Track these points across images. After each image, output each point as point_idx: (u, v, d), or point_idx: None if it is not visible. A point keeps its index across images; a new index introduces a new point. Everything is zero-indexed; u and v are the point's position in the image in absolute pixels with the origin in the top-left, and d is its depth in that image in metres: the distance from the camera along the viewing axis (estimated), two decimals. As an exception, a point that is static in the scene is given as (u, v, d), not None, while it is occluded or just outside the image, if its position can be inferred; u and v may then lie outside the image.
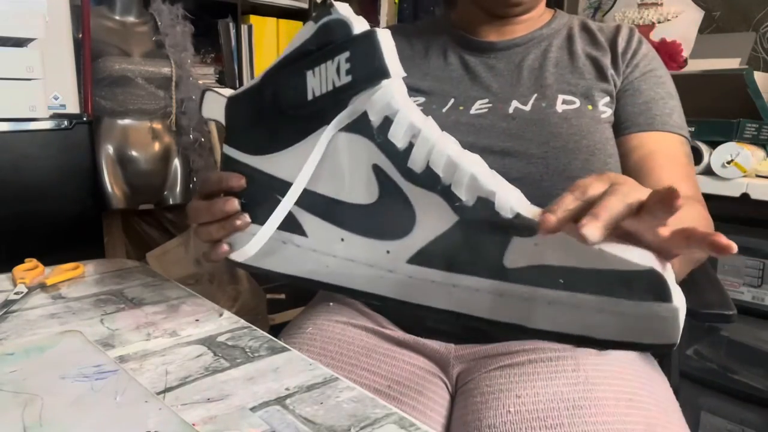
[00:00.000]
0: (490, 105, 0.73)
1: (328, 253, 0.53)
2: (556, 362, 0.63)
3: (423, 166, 0.47)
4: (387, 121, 0.48)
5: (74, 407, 0.44)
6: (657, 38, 1.68)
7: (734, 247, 0.35)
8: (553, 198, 0.64)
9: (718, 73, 1.41)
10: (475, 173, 0.46)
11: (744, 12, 1.77)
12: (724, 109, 1.31)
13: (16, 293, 0.68)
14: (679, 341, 0.39)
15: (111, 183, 1.87)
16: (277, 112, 0.53)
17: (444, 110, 0.75)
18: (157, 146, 1.95)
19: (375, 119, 0.48)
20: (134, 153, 1.91)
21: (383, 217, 0.50)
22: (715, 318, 0.70)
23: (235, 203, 0.56)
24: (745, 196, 1.22)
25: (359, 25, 0.49)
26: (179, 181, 2.02)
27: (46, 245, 1.42)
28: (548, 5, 0.83)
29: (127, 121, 1.89)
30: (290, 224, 0.55)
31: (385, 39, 0.48)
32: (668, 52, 1.62)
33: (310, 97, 0.50)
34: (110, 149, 1.87)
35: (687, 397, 1.43)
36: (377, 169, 0.49)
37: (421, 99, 0.78)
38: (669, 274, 0.40)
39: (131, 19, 1.96)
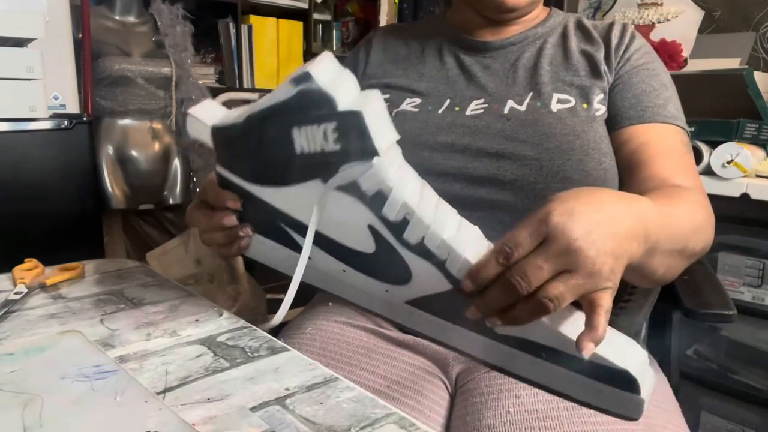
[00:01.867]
0: (486, 105, 0.73)
1: (332, 276, 0.56)
2: None
3: (418, 240, 0.48)
4: (380, 195, 0.47)
5: (74, 407, 0.44)
6: (657, 38, 1.68)
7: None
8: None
9: (718, 73, 1.41)
10: (469, 258, 0.46)
11: (744, 12, 1.76)
12: (724, 109, 1.31)
13: (16, 293, 0.68)
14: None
15: (111, 183, 1.87)
16: (266, 155, 0.52)
17: (440, 111, 0.75)
18: (157, 146, 1.95)
19: (367, 190, 0.47)
20: (134, 153, 1.91)
21: (381, 266, 0.51)
22: (715, 318, 0.70)
23: (233, 219, 0.56)
24: (745, 196, 1.22)
25: (344, 96, 0.45)
26: (179, 181, 2.02)
27: (46, 245, 1.42)
28: (547, 5, 0.83)
29: (127, 121, 1.90)
30: (295, 246, 0.55)
31: (374, 113, 0.45)
32: (668, 52, 1.62)
33: (298, 151, 0.48)
34: (110, 149, 1.87)
35: (687, 397, 1.43)
36: (372, 229, 0.49)
37: (417, 100, 0.78)
38: (641, 367, 0.47)
39: (131, 19, 1.96)
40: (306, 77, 0.45)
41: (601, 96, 0.72)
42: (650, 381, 0.47)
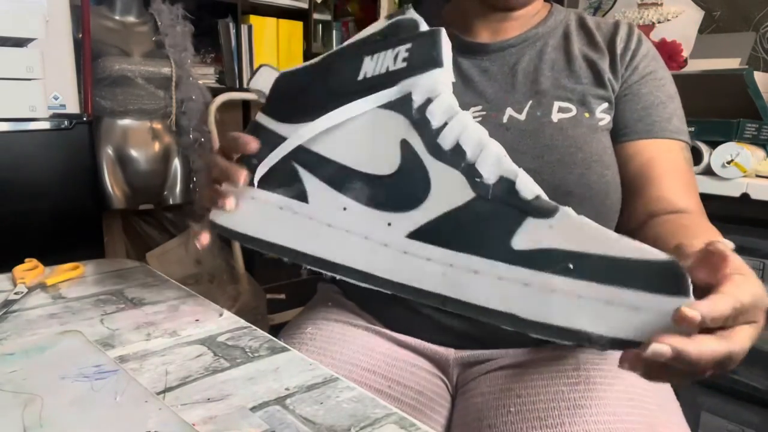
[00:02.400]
0: (484, 113, 0.70)
1: (325, 221, 0.53)
2: (557, 362, 0.63)
3: (452, 143, 0.49)
4: (428, 101, 0.51)
5: (74, 407, 0.44)
6: (657, 38, 1.68)
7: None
8: None
9: (718, 73, 1.41)
10: (501, 154, 0.48)
11: (744, 12, 1.76)
12: (724, 109, 1.31)
13: (16, 293, 0.68)
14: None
15: (111, 183, 1.87)
16: (324, 88, 0.56)
17: None
18: (157, 146, 1.95)
19: (417, 99, 0.51)
20: (134, 153, 1.91)
21: (396, 189, 0.51)
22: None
23: (245, 174, 0.57)
24: (745, 196, 1.22)
25: (424, 24, 0.53)
26: (179, 181, 2.02)
27: (46, 245, 1.43)
28: (548, 1, 0.81)
29: (127, 121, 1.89)
30: (294, 189, 0.55)
31: (447, 41, 0.52)
32: (668, 52, 1.62)
33: (360, 77, 0.53)
34: (110, 149, 1.87)
35: (687, 397, 1.43)
36: (404, 144, 0.51)
37: None
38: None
39: (131, 19, 1.96)
40: (401, 11, 0.54)
41: (605, 105, 0.70)
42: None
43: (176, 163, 2.00)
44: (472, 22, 0.76)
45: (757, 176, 1.25)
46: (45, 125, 1.47)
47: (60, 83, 1.62)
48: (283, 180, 0.56)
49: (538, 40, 0.75)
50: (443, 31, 0.52)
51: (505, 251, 0.43)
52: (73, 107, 1.68)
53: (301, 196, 0.55)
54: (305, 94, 0.57)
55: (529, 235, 0.43)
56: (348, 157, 0.53)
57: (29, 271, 0.75)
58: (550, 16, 0.77)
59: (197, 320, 0.62)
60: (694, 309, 0.36)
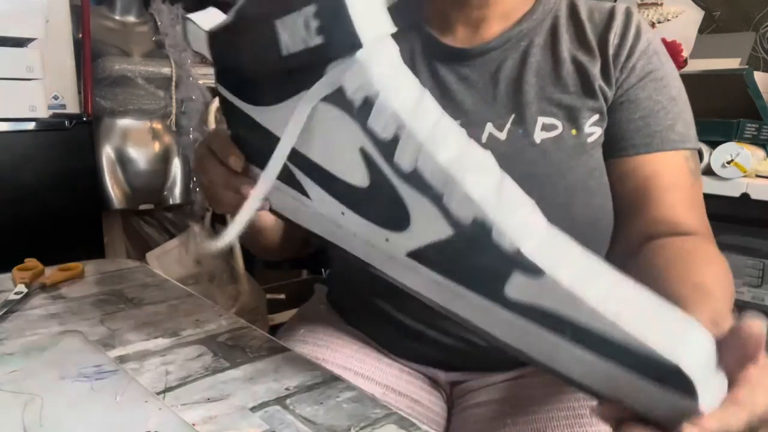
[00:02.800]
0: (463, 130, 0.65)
1: (333, 221, 0.48)
2: None
3: (410, 166, 0.40)
4: (367, 103, 0.40)
5: (74, 407, 0.44)
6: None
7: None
8: None
9: (718, 73, 1.41)
10: (470, 192, 0.38)
11: (744, 12, 1.76)
12: (724, 109, 1.31)
13: (16, 293, 0.68)
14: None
15: (111, 183, 1.87)
16: (255, 61, 0.47)
17: None
18: (157, 146, 1.95)
19: (353, 98, 0.40)
20: (134, 153, 1.91)
21: (377, 204, 0.43)
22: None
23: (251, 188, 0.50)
24: (745, 196, 1.22)
25: None
26: (179, 181, 2.02)
27: (46, 245, 1.42)
28: None
29: (127, 121, 1.89)
30: (295, 184, 0.49)
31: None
32: (668, 52, 1.62)
33: (283, 52, 0.42)
34: (110, 149, 1.87)
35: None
36: (364, 154, 0.42)
37: None
38: (701, 359, 0.33)
39: (131, 19, 1.96)
40: None
41: (596, 117, 0.63)
42: (715, 388, 0.33)
43: (176, 163, 2.00)
44: (448, 16, 0.68)
45: (757, 176, 1.26)
46: (45, 125, 1.47)
47: (60, 83, 1.62)
48: (281, 176, 0.49)
49: (523, 38, 0.66)
50: None
51: (501, 296, 0.39)
52: (73, 107, 1.68)
53: (304, 192, 0.49)
54: (243, 65, 0.48)
55: (520, 289, 0.37)
56: (321, 158, 0.46)
57: (29, 271, 0.75)
58: (537, 7, 0.67)
59: (197, 320, 0.62)
60: (700, 426, 0.32)
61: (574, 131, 0.62)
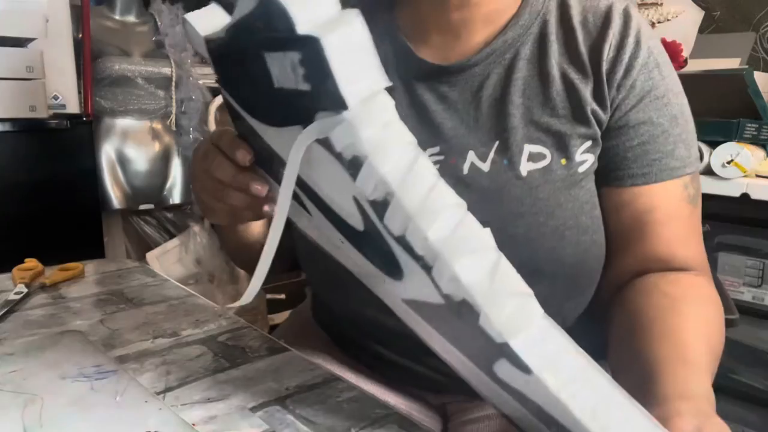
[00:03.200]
0: (442, 158, 0.57)
1: (332, 243, 0.46)
2: None
3: (400, 232, 0.37)
4: (356, 162, 0.38)
5: (74, 407, 0.44)
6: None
7: None
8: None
9: (718, 73, 1.41)
10: (459, 276, 0.36)
11: (744, 12, 1.76)
12: (724, 109, 1.31)
13: (16, 293, 0.68)
14: None
15: (111, 183, 1.87)
16: (251, 81, 0.43)
17: None
18: (157, 146, 1.95)
19: (342, 153, 0.38)
20: (134, 153, 1.91)
21: (372, 249, 0.41)
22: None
23: (263, 187, 0.47)
24: (745, 196, 1.22)
25: (307, 13, 0.35)
26: (179, 181, 2.02)
27: (46, 245, 1.43)
28: None
29: (127, 121, 1.89)
30: (297, 198, 0.45)
31: (345, 45, 0.35)
32: (668, 52, 1.62)
33: (276, 84, 0.39)
34: (110, 149, 1.87)
35: (687, 397, 1.43)
36: (357, 204, 0.39)
37: None
38: None
39: (131, 19, 1.96)
40: None
41: (587, 144, 0.57)
42: None
43: (176, 163, 2.00)
44: (423, 21, 0.60)
45: (757, 176, 1.26)
46: (45, 125, 1.47)
47: (60, 83, 1.62)
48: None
49: (508, 50, 0.59)
50: (327, 43, 0.35)
51: (489, 370, 0.37)
52: (73, 107, 1.68)
53: (305, 208, 0.46)
54: (241, 78, 0.44)
55: (508, 374, 0.36)
56: (324, 194, 0.43)
57: (29, 271, 0.75)
58: (524, 9, 0.59)
59: (197, 320, 0.62)
60: None
61: (563, 161, 0.56)
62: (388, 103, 0.39)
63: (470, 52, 0.59)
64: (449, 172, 0.56)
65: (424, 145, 0.50)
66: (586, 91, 0.57)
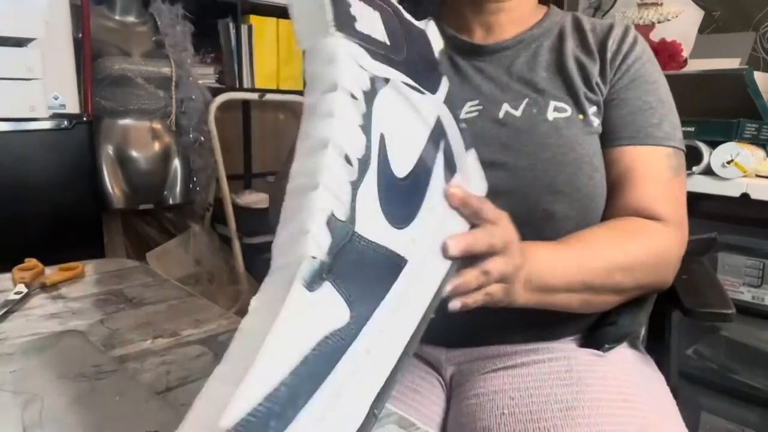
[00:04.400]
0: (481, 107, 0.70)
1: None
2: (549, 363, 0.63)
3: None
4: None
5: (74, 407, 0.44)
6: (657, 38, 1.68)
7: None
8: (538, 212, 0.64)
9: (718, 73, 1.41)
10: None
11: (744, 12, 1.76)
12: (724, 109, 1.31)
13: (16, 293, 0.68)
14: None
15: (111, 183, 1.87)
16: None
17: None
18: (157, 146, 1.95)
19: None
20: (134, 153, 1.91)
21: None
22: (714, 317, 0.69)
23: None
24: (745, 196, 1.22)
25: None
26: (179, 181, 2.02)
27: (46, 245, 1.42)
28: (545, 3, 0.79)
29: (127, 121, 1.90)
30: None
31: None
32: (668, 52, 1.62)
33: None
34: (110, 149, 1.87)
35: (687, 397, 1.43)
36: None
37: None
38: None
39: (131, 19, 1.96)
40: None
41: (595, 109, 0.69)
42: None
43: (176, 163, 2.00)
44: (465, 18, 0.75)
45: (757, 176, 1.25)
46: (45, 125, 1.47)
47: (60, 83, 1.62)
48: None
49: (533, 41, 0.73)
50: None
51: None
52: (73, 107, 1.68)
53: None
54: None
55: None
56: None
57: (29, 271, 0.75)
58: (546, 18, 0.75)
59: (197, 320, 0.62)
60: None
61: (581, 116, 0.68)
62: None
63: (502, 40, 0.74)
64: (487, 116, 0.69)
65: (465, 98, 0.71)
66: (593, 68, 0.71)
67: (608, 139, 0.70)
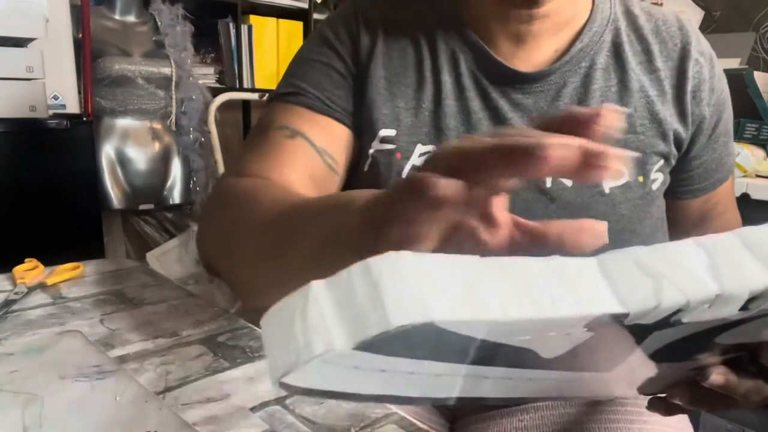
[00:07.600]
0: None
1: None
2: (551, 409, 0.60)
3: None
4: None
5: (74, 407, 0.44)
6: (657, 38, 1.68)
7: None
8: None
9: (718, 73, 1.41)
10: None
11: (744, 12, 1.77)
12: (724, 109, 1.31)
13: (16, 293, 0.68)
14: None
15: (111, 183, 1.87)
16: None
17: None
18: (157, 146, 1.95)
19: None
20: (134, 153, 1.91)
21: None
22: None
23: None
24: (745, 196, 1.22)
25: None
26: (179, 181, 2.02)
27: (46, 245, 1.43)
28: None
29: (127, 121, 1.90)
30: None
31: None
32: (668, 52, 1.63)
33: None
34: (110, 149, 1.87)
35: (687, 397, 1.43)
36: None
37: (428, 146, 0.55)
38: None
39: (131, 19, 1.96)
40: None
41: (661, 163, 0.56)
42: None
43: (176, 163, 2.00)
44: (488, 25, 0.57)
45: (757, 176, 1.26)
46: (45, 125, 1.47)
47: (60, 83, 1.63)
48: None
49: (583, 58, 0.56)
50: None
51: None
52: (73, 107, 1.68)
53: None
54: None
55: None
56: None
57: (29, 271, 0.75)
58: (596, 15, 0.57)
59: (197, 320, 0.62)
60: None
61: (641, 178, 0.55)
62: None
63: (540, 58, 0.57)
64: (531, 185, 0.54)
65: None
66: (665, 110, 0.55)
67: (689, 190, 0.60)
